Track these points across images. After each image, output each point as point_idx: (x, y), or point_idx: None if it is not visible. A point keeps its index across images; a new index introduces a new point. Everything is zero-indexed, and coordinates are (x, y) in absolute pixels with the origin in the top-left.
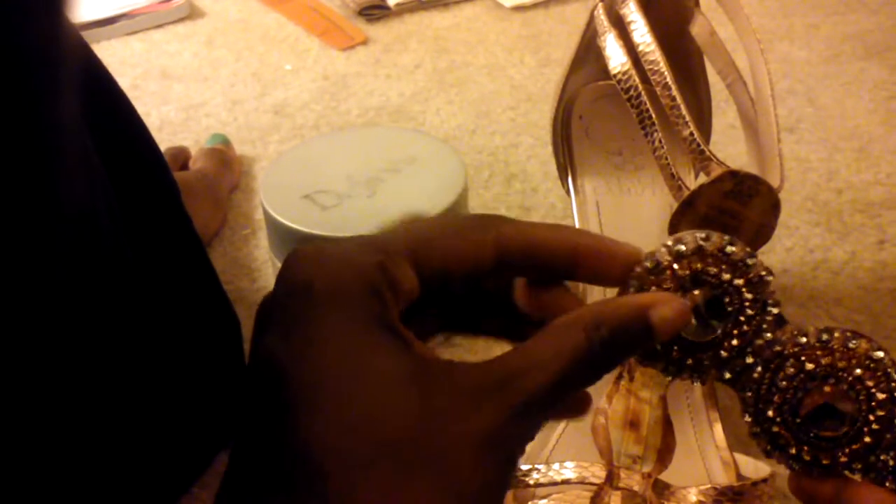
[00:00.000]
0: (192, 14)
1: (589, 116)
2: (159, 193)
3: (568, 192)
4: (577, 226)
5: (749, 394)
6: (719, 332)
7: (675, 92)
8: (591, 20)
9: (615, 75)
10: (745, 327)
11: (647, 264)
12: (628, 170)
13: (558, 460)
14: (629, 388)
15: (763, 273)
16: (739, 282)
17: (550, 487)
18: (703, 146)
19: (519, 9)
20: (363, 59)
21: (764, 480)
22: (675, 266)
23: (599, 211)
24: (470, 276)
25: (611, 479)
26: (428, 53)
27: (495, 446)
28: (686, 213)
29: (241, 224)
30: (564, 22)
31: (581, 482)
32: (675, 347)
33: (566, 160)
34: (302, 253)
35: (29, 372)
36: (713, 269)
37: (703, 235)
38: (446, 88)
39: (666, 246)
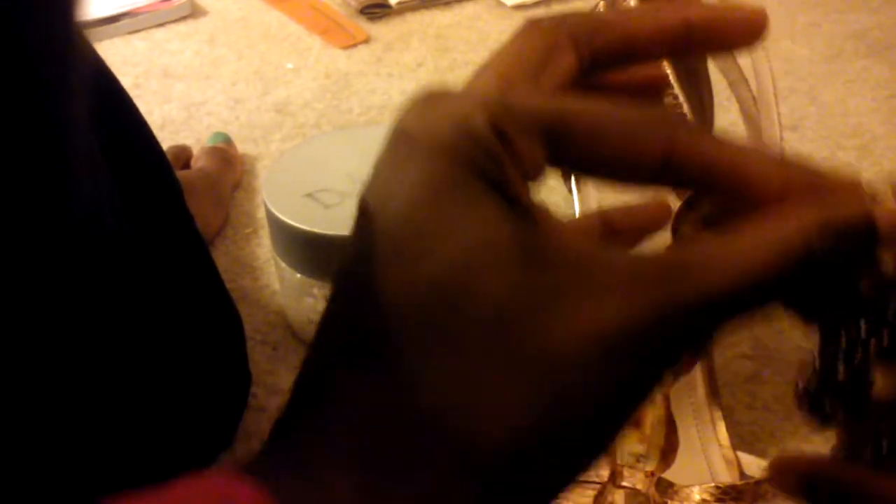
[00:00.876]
0: (194, 13)
1: None
2: (162, 193)
3: (570, 190)
4: None
5: None
6: None
7: (677, 90)
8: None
9: None
10: None
11: None
12: None
13: None
14: None
15: None
16: None
17: None
18: (690, 116)
19: (520, 7)
20: (365, 57)
21: (767, 479)
22: None
23: None
24: (617, 181)
25: (614, 477)
26: (430, 52)
27: (632, 348)
28: (689, 214)
29: (244, 223)
30: None
31: (584, 481)
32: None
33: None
34: (413, 100)
35: (31, 370)
36: None
37: None
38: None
39: None
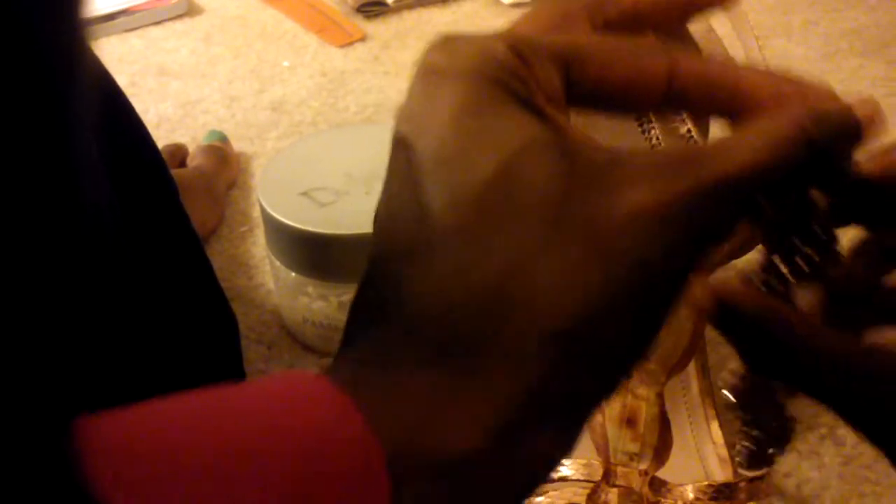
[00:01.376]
0: (190, 11)
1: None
2: (157, 191)
3: None
4: None
5: None
6: None
7: None
8: None
9: None
10: None
11: None
12: None
13: None
14: (626, 385)
15: None
16: None
17: (547, 485)
18: (700, 141)
19: (517, 5)
20: (361, 55)
21: (760, 477)
22: None
23: None
24: (628, 107)
25: (608, 476)
26: None
27: (668, 222)
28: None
29: (239, 221)
30: None
31: (578, 480)
32: None
33: None
34: (434, 42)
35: (30, 371)
36: None
37: None
38: None
39: None
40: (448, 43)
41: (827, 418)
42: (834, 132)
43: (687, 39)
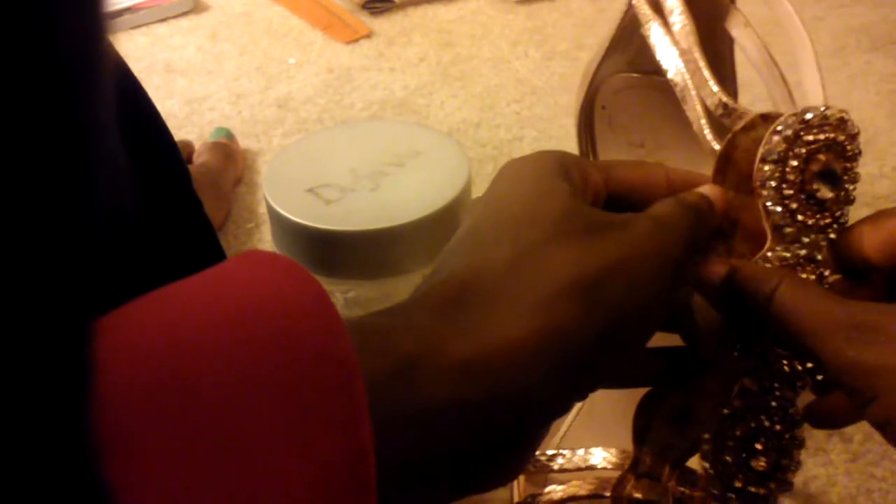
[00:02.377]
0: (196, 8)
1: (611, 106)
2: (172, 177)
3: None
4: None
5: None
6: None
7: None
8: (630, 8)
9: (662, 65)
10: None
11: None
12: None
13: (569, 447)
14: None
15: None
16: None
17: (568, 474)
18: (730, 102)
19: (523, 2)
20: (367, 52)
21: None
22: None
23: None
24: (645, 205)
25: (636, 465)
26: (432, 47)
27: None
28: (725, 170)
29: (245, 218)
30: (569, 15)
31: (604, 468)
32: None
33: (589, 149)
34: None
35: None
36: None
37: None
38: (450, 82)
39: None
40: (522, 157)
41: None
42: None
43: (728, 78)
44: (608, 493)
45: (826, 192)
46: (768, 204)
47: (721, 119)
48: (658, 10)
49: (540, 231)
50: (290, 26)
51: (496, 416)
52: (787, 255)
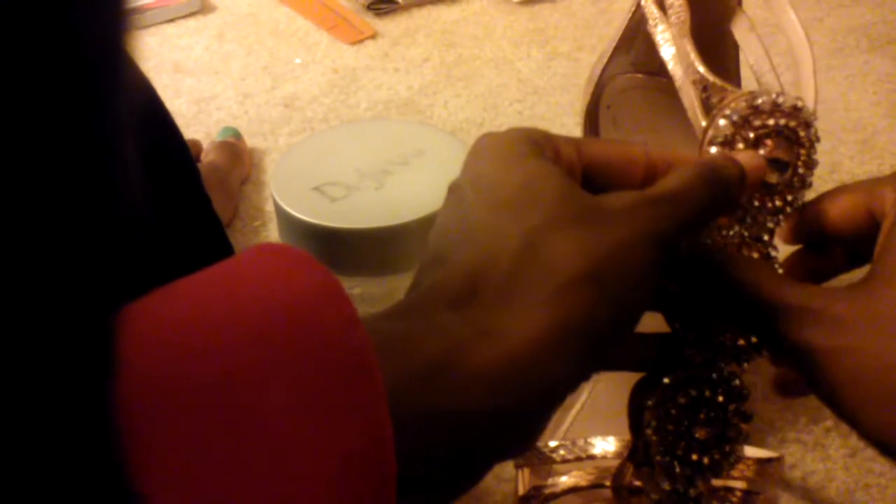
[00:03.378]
0: (204, 8)
1: (616, 106)
2: (183, 174)
3: None
4: None
5: None
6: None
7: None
8: (638, 8)
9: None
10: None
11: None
12: None
13: (575, 437)
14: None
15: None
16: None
17: (571, 464)
18: (708, 77)
19: (526, 3)
20: (372, 52)
21: (769, 460)
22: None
23: None
24: (622, 182)
25: (634, 455)
26: (436, 47)
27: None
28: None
29: (252, 216)
30: (571, 15)
31: (604, 457)
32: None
33: None
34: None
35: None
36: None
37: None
38: (454, 82)
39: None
40: (492, 133)
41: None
42: (726, 172)
43: (728, 44)
44: (609, 483)
45: (772, 177)
46: None
47: (706, 101)
48: (665, 10)
49: (539, 216)
50: (296, 27)
51: (522, 418)
52: (731, 233)
